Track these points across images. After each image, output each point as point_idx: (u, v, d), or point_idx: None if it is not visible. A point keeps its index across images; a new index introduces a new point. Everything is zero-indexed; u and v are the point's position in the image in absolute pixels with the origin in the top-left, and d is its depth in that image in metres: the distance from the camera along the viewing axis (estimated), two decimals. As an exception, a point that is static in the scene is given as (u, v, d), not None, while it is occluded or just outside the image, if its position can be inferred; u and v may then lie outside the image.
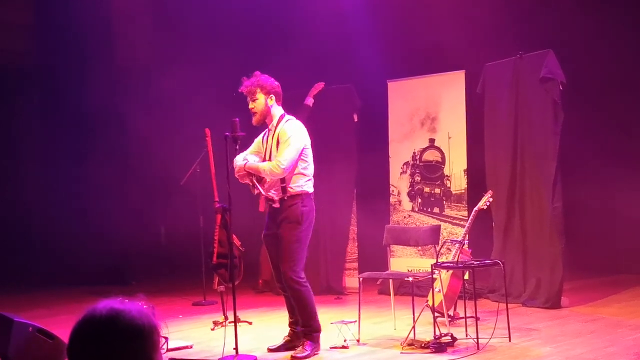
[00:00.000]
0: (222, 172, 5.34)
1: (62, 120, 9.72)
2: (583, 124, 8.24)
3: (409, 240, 6.40)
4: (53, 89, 9.80)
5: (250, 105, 5.24)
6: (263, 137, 5.41)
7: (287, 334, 5.43)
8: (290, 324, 5.41)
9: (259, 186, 5.18)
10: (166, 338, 5.48)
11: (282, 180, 5.14)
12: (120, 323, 1.59)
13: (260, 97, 5.20)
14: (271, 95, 5.23)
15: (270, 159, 5.21)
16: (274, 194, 5.20)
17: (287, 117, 5.31)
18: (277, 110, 5.29)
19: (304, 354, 5.13)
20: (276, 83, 5.27)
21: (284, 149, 5.11)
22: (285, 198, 5.18)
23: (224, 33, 9.74)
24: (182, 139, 8.95)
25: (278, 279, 5.38)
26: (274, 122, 5.27)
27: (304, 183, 5.22)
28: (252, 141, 5.51)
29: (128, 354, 1.58)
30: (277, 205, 5.19)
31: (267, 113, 5.24)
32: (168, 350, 5.38)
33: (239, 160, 5.27)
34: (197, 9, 9.65)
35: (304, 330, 5.23)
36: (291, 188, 5.17)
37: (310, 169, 5.29)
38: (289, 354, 5.24)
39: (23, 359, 4.77)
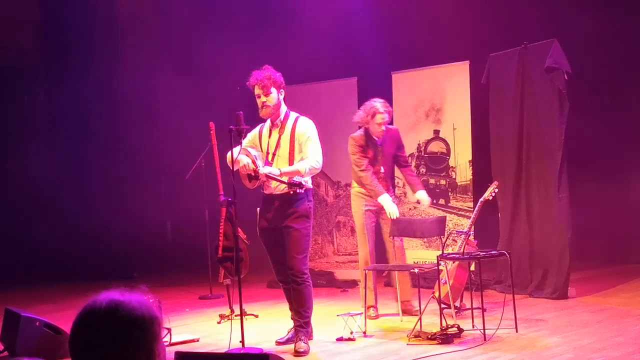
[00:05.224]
0: (226, 165, 5.33)
1: (67, 115, 9.73)
2: (589, 113, 8.20)
3: (414, 232, 6.39)
4: (58, 85, 9.80)
5: (263, 99, 5.21)
6: (260, 130, 5.40)
7: (292, 326, 5.42)
8: (293, 317, 5.40)
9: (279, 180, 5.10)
10: (169, 329, 5.48)
11: None
12: (120, 313, 1.61)
13: (274, 92, 5.21)
14: (281, 90, 5.26)
15: (275, 153, 5.21)
16: (279, 188, 5.19)
17: (293, 113, 5.33)
18: (284, 106, 5.30)
19: (306, 347, 5.13)
20: (282, 77, 5.29)
21: (313, 147, 5.14)
22: (292, 192, 5.17)
23: (228, 27, 9.72)
24: (186, 133, 8.94)
25: (280, 272, 5.36)
26: (281, 117, 5.27)
27: (308, 178, 5.23)
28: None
29: (128, 344, 1.60)
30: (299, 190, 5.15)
31: (279, 107, 5.25)
32: (171, 344, 5.39)
33: (243, 156, 5.21)
34: (202, 2, 9.63)
35: (301, 322, 5.24)
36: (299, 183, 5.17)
37: None
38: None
39: (30, 353, 4.79)
